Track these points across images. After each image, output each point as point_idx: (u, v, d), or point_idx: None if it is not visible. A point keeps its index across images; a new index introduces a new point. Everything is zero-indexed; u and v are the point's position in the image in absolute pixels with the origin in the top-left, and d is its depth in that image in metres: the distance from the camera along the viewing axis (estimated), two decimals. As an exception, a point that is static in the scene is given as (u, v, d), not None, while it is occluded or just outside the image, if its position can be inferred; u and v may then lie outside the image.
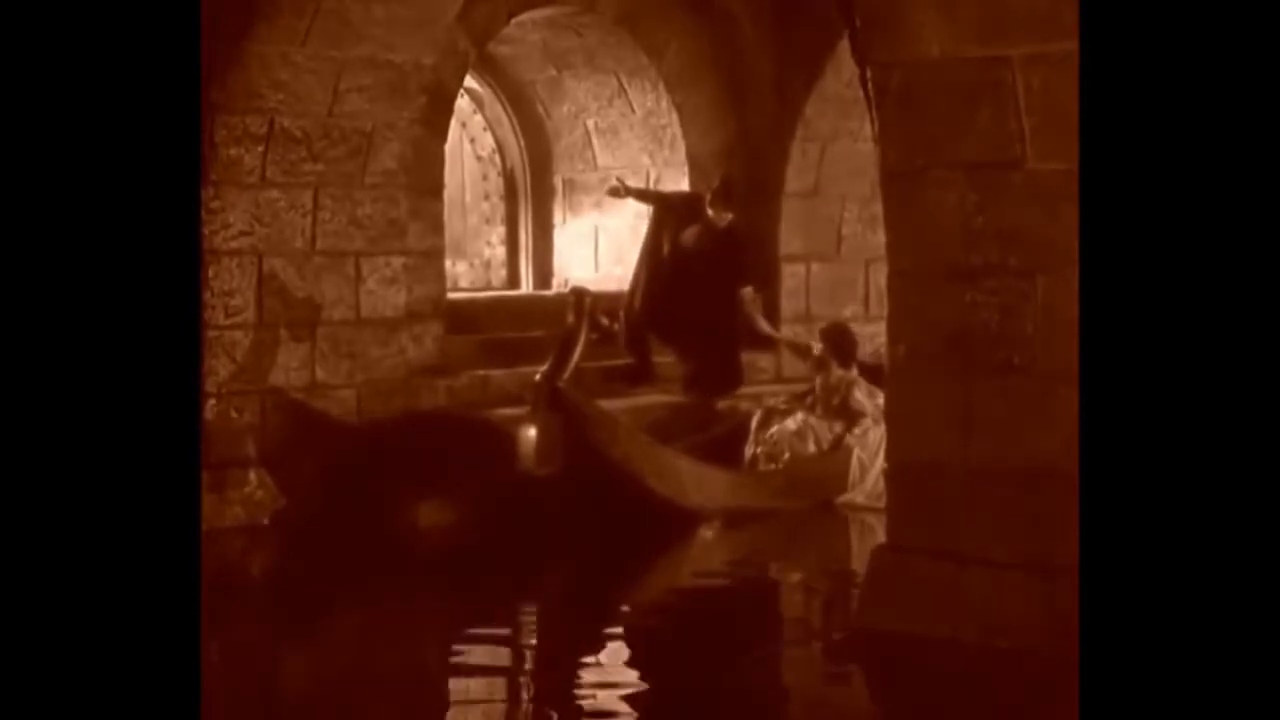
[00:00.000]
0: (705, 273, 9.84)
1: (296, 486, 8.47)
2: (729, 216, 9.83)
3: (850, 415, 9.02)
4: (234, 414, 8.38)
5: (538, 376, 8.15)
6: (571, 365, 8.12)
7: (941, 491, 5.73)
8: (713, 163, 10.77)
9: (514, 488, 8.12)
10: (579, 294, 8.47)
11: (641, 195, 10.63)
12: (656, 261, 10.13)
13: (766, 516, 8.53)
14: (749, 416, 9.35)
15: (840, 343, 9.26)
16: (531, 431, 8.05)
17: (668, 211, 10.31)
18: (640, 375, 10.04)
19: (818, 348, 9.28)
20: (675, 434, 9.04)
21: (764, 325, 10.10)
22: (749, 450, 9.09)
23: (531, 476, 8.07)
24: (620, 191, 10.50)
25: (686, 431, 9.20)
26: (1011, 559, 5.53)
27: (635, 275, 10.22)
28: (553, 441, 7.98)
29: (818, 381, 9.22)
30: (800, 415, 9.10)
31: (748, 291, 9.91)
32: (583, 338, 8.21)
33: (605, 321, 8.92)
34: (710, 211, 9.84)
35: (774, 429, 9.06)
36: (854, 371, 9.17)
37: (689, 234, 10.00)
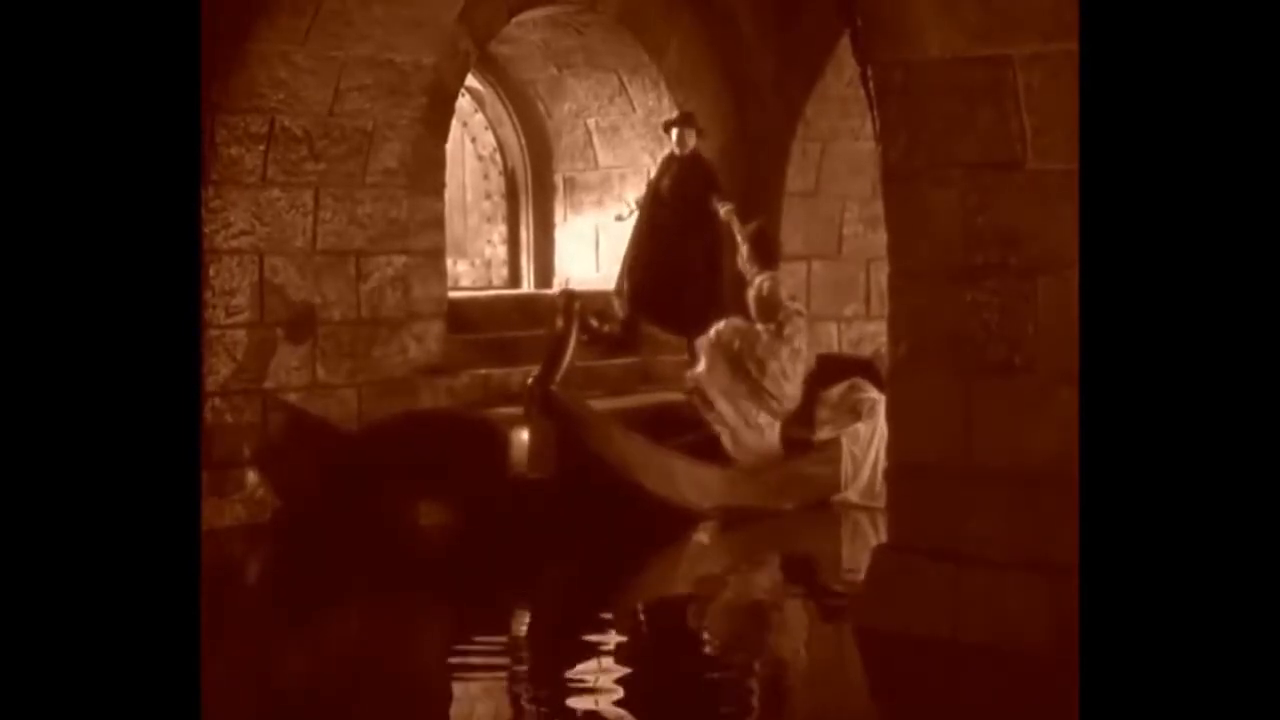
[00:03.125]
0: (678, 207, 10.02)
1: (292, 489, 8.48)
2: (691, 144, 10.07)
3: (776, 314, 9.05)
4: (234, 414, 8.38)
5: (529, 380, 8.16)
6: (563, 368, 8.11)
7: (941, 491, 5.73)
8: (714, 161, 10.75)
9: (507, 492, 8.11)
10: (567, 296, 8.47)
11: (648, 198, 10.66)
12: (639, 229, 10.36)
13: (762, 516, 8.51)
14: None
15: (759, 243, 9.34)
16: (524, 435, 8.04)
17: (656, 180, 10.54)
18: (626, 346, 10.12)
19: (746, 250, 9.36)
20: (669, 432, 9.01)
21: (737, 228, 10.01)
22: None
23: (525, 480, 8.06)
24: (627, 215, 10.68)
25: (681, 429, 9.17)
26: (1011, 559, 5.52)
27: (625, 255, 10.35)
28: (545, 445, 7.97)
29: (749, 294, 9.21)
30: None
31: (725, 206, 9.94)
32: (573, 340, 8.21)
33: (595, 323, 8.93)
34: (675, 147, 10.08)
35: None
36: (777, 271, 9.27)
37: (660, 177, 10.29)
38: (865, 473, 8.78)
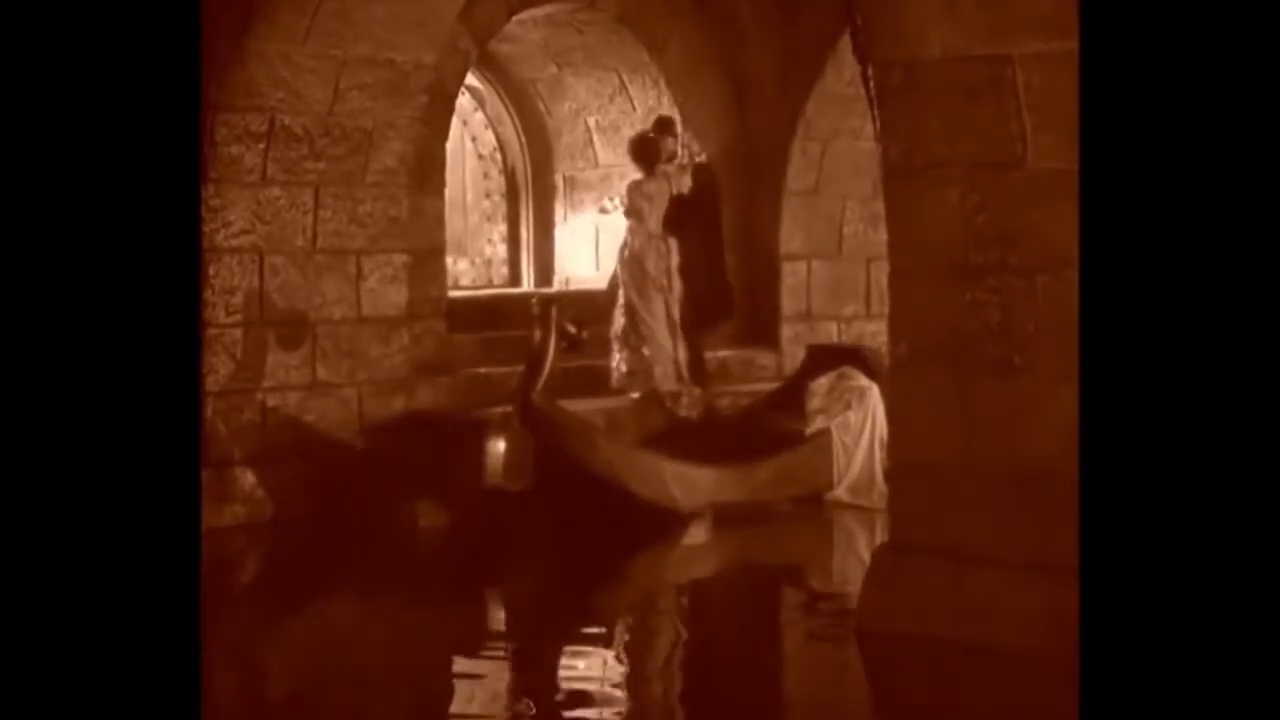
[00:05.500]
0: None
1: (286, 494, 8.48)
2: (673, 149, 10.02)
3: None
4: (234, 413, 8.38)
5: (514, 389, 8.16)
6: (543, 377, 8.08)
7: (942, 491, 5.73)
8: (714, 160, 10.76)
9: (484, 502, 8.09)
10: (544, 304, 8.43)
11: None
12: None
13: (754, 516, 8.48)
14: (732, 413, 9.39)
15: (638, 149, 9.58)
16: (501, 445, 8.01)
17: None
18: None
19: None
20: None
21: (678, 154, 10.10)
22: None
23: (502, 491, 8.02)
24: (611, 209, 10.71)
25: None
26: (1011, 559, 5.52)
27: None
28: (522, 456, 7.94)
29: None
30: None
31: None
32: (552, 348, 8.18)
33: (573, 330, 8.96)
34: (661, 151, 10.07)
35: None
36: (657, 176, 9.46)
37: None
38: (858, 462, 8.75)
